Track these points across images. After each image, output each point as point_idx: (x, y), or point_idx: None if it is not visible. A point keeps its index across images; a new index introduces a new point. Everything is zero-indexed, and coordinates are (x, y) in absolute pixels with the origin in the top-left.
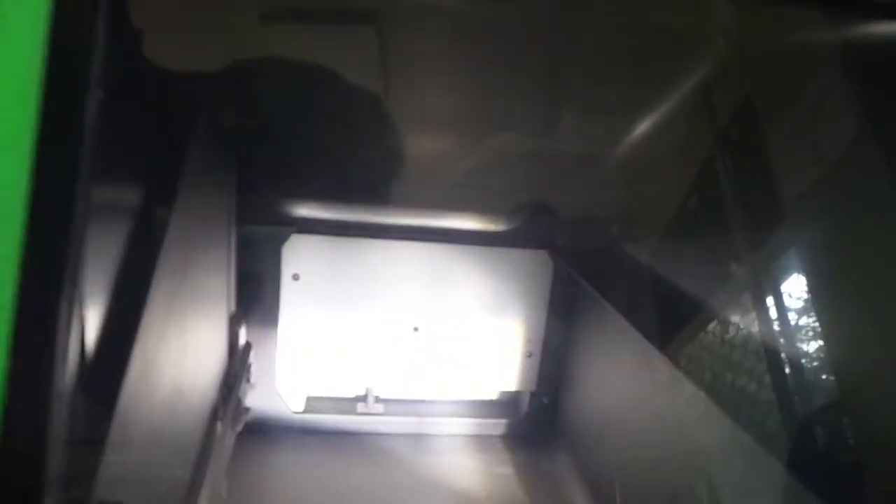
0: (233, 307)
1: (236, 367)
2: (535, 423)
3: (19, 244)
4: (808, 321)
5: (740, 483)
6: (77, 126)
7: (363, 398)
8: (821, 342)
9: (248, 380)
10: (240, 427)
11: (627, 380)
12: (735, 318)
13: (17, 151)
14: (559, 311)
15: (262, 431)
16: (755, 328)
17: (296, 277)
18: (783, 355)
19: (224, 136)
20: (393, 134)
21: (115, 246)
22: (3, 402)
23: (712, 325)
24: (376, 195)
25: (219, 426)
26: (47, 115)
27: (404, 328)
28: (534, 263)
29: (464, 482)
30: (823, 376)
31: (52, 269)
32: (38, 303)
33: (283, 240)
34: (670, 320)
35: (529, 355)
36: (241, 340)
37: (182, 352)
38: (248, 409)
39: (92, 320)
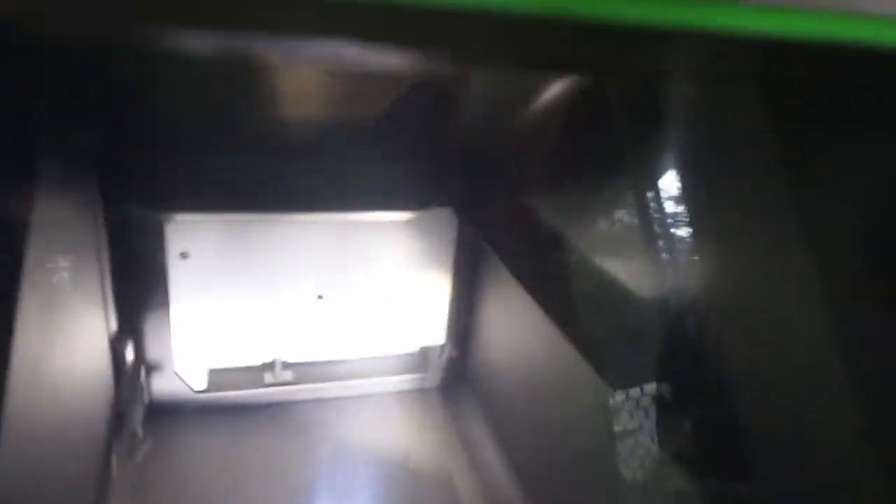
0: (114, 326)
1: (125, 392)
2: (446, 377)
3: None
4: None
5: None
6: None
7: (270, 366)
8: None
9: (142, 403)
10: (140, 457)
11: (519, 332)
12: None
13: None
14: (465, 267)
15: (165, 416)
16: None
17: (184, 256)
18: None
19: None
20: (278, 122)
21: None
22: None
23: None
24: (264, 194)
25: (114, 462)
26: None
27: (307, 297)
28: (438, 221)
29: (380, 440)
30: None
31: None
32: None
33: (166, 221)
34: (555, 273)
35: (437, 311)
36: (129, 359)
37: (42, 393)
38: (146, 439)
39: None
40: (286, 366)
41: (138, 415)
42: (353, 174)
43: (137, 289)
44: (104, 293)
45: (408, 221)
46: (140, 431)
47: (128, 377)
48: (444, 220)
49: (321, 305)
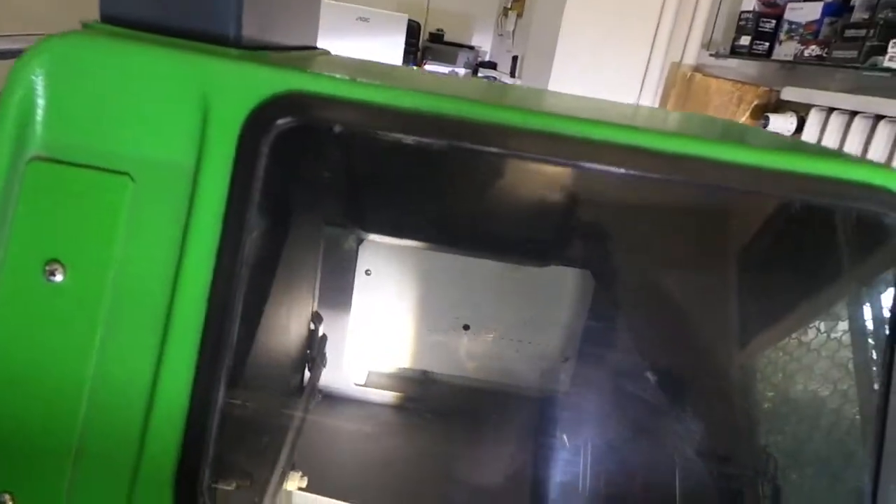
0: (315, 307)
1: (315, 352)
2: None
3: None
4: None
5: None
6: None
7: (418, 376)
8: None
9: (322, 366)
10: (314, 404)
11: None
12: None
13: None
14: (596, 320)
15: (327, 396)
16: None
17: (367, 273)
18: None
19: None
20: None
21: None
22: None
23: None
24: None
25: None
26: None
27: (456, 325)
28: (576, 280)
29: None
30: None
31: None
32: None
33: (359, 242)
34: None
35: (566, 360)
36: (319, 334)
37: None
38: (319, 393)
39: None
40: (431, 377)
41: (318, 373)
42: (508, 230)
43: (333, 289)
44: (315, 284)
45: (548, 277)
46: (317, 386)
47: (317, 344)
48: (581, 279)
49: (465, 333)
